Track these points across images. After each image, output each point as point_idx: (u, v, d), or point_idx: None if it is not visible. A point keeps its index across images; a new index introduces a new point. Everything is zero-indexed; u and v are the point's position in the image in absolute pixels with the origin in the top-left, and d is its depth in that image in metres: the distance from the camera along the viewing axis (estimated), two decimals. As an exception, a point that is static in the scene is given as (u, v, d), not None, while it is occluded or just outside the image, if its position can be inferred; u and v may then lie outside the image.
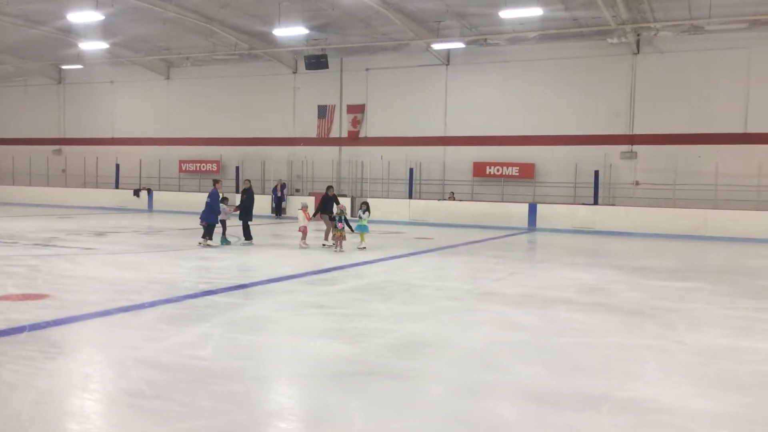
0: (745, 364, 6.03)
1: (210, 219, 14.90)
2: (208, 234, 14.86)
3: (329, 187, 16.34)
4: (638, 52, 23.91)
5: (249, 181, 17.42)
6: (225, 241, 15.28)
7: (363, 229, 14.78)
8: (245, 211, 15.90)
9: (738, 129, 22.73)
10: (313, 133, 29.47)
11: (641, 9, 21.09)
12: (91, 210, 29.33)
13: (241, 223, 15.93)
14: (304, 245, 14.92)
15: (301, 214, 15.01)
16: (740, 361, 6.14)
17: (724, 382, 5.46)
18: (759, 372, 5.80)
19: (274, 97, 30.12)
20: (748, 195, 22.05)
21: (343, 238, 14.46)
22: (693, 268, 13.60)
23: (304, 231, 15.04)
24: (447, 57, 26.84)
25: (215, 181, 16.03)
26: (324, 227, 15.84)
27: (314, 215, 15.63)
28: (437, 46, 25.40)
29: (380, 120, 28.27)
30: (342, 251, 14.17)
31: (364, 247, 14.71)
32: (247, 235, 15.84)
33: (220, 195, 15.36)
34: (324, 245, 15.16)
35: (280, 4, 22.00)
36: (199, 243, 14.73)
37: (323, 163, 29.00)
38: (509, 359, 6.00)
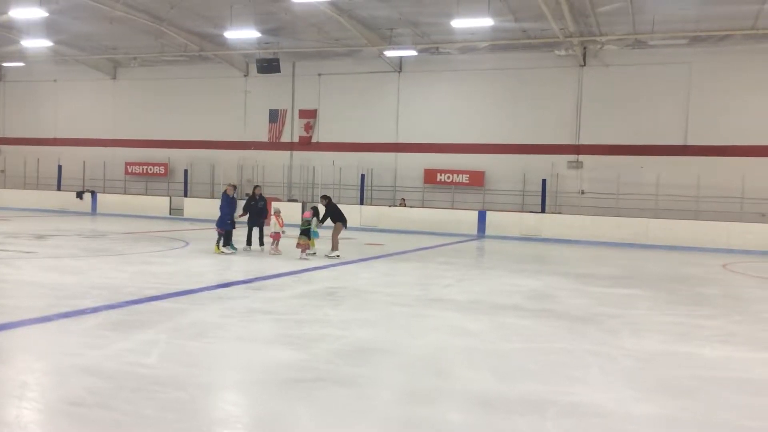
0: (684, 368, 6.24)
1: (222, 226, 14.44)
2: (227, 241, 14.40)
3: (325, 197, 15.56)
4: (584, 65, 24.55)
5: (259, 186, 16.43)
6: (232, 247, 14.67)
7: (314, 235, 14.60)
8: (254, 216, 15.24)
9: (678, 141, 23.57)
10: (264, 137, 29.20)
11: (588, 23, 21.68)
12: (32, 212, 28.35)
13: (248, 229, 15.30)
14: (275, 251, 14.56)
15: (273, 220, 14.68)
16: (679, 366, 6.34)
17: (664, 386, 5.63)
18: (697, 377, 6.00)
19: (225, 100, 29.74)
20: (688, 205, 22.84)
21: (308, 246, 14.20)
22: (635, 275, 14.01)
23: (276, 237, 14.62)
24: (399, 64, 27.02)
25: (231, 186, 15.32)
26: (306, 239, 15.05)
27: (322, 221, 14.77)
28: (390, 53, 25.54)
29: (332, 125, 28.22)
30: (307, 259, 13.95)
31: (314, 253, 14.55)
32: (249, 241, 15.30)
33: (236, 198, 14.79)
34: (331, 256, 14.43)
35: (231, 6, 21.75)
36: (222, 251, 14.27)
37: (274, 167, 28.76)
38: (458, 365, 6.06)
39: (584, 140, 24.74)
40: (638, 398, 5.24)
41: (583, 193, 24.70)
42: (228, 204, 14.67)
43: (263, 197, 15.49)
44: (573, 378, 5.73)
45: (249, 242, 15.12)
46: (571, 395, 5.21)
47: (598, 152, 24.49)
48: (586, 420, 4.68)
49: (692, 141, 23.39)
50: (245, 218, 15.37)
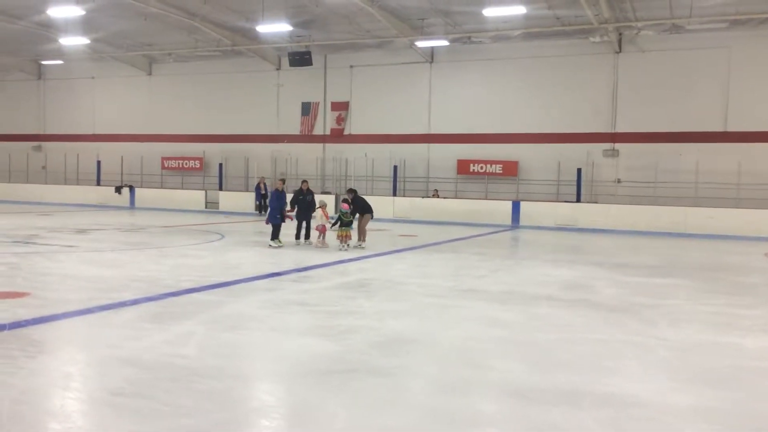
0: (723, 359, 6.12)
1: (271, 220, 14.58)
2: (275, 235, 14.54)
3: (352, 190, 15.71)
4: (620, 51, 24.10)
5: (306, 181, 16.46)
6: (279, 241, 14.70)
7: (351, 226, 14.71)
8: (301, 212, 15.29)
9: (718, 127, 23.01)
10: (296, 130, 29.38)
11: (623, 8, 21.27)
12: (72, 207, 29.04)
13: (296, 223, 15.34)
14: (320, 244, 14.70)
15: (319, 213, 14.88)
16: (718, 356, 6.23)
17: (702, 377, 5.54)
18: (736, 367, 5.89)
19: (258, 93, 29.98)
20: (728, 192, 22.32)
21: (349, 237, 14.38)
22: (673, 264, 13.76)
23: (322, 230, 14.78)
24: (431, 54, 26.88)
25: (281, 181, 15.45)
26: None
27: (354, 214, 14.83)
28: (421, 44, 25.43)
29: (364, 117, 28.25)
30: (347, 249, 14.15)
31: (359, 245, 14.66)
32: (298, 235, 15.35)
33: (285, 193, 14.92)
34: (361, 246, 14.72)
35: (263, 0, 21.90)
36: (270, 245, 14.43)
37: (307, 160, 28.93)
38: (491, 356, 6.04)
39: (620, 128, 24.32)
40: (676, 388, 5.17)
41: (619, 181, 24.30)
42: (278, 198, 14.81)
43: (311, 191, 15.61)
44: (609, 368, 5.67)
45: (297, 236, 15.22)
46: (607, 386, 5.16)
47: (635, 140, 24.05)
48: (622, 410, 4.63)
49: (732, 127, 22.82)
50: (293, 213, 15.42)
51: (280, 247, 14.39)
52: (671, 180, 23.04)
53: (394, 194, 26.44)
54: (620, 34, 23.67)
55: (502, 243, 18.38)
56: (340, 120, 28.66)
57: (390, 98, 27.62)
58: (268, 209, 14.86)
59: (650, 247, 17.63)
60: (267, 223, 14.76)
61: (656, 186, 23.18)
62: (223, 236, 17.12)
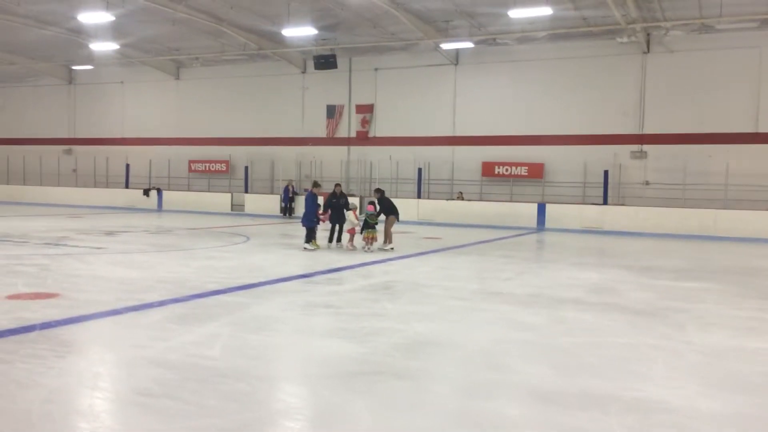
0: (754, 364, 6.00)
1: (306, 222, 14.71)
2: (309, 237, 14.62)
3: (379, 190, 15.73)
4: (648, 52, 23.82)
5: (339, 185, 16.22)
6: (313, 244, 14.74)
7: (376, 228, 14.75)
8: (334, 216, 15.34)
9: (749, 128, 22.61)
10: (321, 133, 29.52)
11: (651, 8, 21.01)
12: (101, 209, 29.51)
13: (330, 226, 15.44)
14: (350, 247, 14.78)
15: (350, 215, 14.95)
16: (748, 361, 6.11)
17: (732, 382, 5.43)
18: (767, 373, 5.77)
19: (283, 97, 30.20)
20: (759, 195, 21.92)
21: (375, 239, 14.47)
22: (702, 268, 13.53)
23: (352, 232, 14.89)
24: (456, 57, 26.83)
25: (316, 185, 15.56)
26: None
27: (377, 216, 14.93)
28: (446, 46, 25.39)
29: (389, 120, 28.29)
30: (372, 251, 14.26)
31: (390, 247, 14.70)
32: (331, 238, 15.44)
33: (319, 197, 15.04)
34: (386, 249, 14.74)
35: (289, 4, 22.06)
36: (305, 248, 14.51)
37: (332, 162, 29.05)
38: (516, 359, 6.00)
39: (648, 129, 24.02)
40: (705, 394, 5.08)
41: (647, 183, 24.00)
42: (314, 202, 14.89)
43: (344, 194, 15.67)
44: (636, 373, 5.59)
45: (331, 239, 15.29)
46: (635, 390, 5.09)
47: (663, 141, 23.73)
48: (650, 416, 4.57)
49: (764, 128, 22.41)
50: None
51: (315, 249, 14.45)
52: (700, 182, 22.69)
53: (419, 196, 26.42)
54: (648, 35, 23.39)
55: (527, 245, 18.25)
56: (364, 122, 28.73)
57: (414, 100, 27.62)
58: (304, 211, 14.90)
59: (679, 250, 17.37)
60: (303, 225, 14.83)
61: (685, 188, 22.84)
62: (248, 238, 17.26)
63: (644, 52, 23.86)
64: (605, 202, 23.70)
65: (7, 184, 35.67)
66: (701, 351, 6.46)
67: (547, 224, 23.55)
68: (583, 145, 24.74)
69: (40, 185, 35.11)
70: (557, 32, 23.62)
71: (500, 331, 7.13)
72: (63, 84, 35.86)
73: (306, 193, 15.38)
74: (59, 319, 7.01)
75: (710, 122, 23.00)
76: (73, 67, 34.01)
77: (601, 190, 23.94)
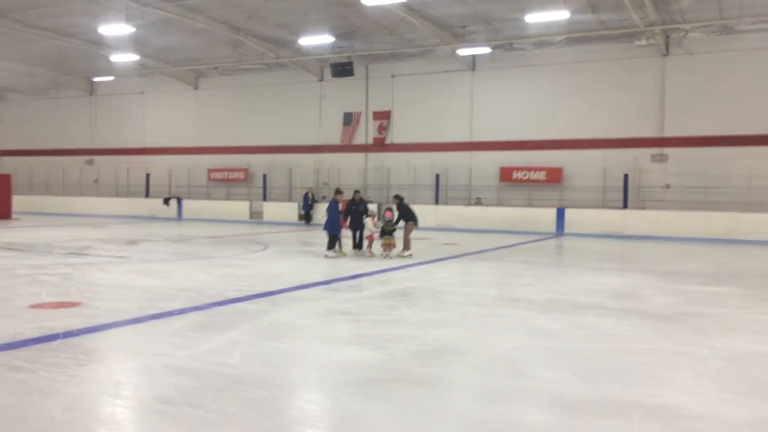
0: (780, 370, 5.90)
1: (329, 230, 14.76)
2: (331, 244, 14.67)
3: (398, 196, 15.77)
4: (667, 54, 23.62)
5: (359, 191, 16.35)
6: (335, 251, 14.81)
7: (393, 235, 14.74)
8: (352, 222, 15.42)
9: (771, 130, 22.32)
10: (339, 140, 29.61)
11: (670, 10, 20.85)
12: (123, 219, 29.83)
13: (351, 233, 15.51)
14: (368, 254, 14.81)
15: (369, 222, 14.99)
16: (775, 367, 6.01)
17: (757, 388, 5.34)
18: (794, 378, 5.67)
19: (301, 105, 30.36)
20: (783, 197, 21.61)
21: (393, 245, 14.49)
22: (725, 272, 13.34)
23: (370, 239, 14.93)
24: (472, 62, 26.80)
25: (339, 193, 15.61)
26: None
27: (396, 223, 15.02)
28: (463, 52, 25.38)
29: (406, 126, 28.31)
30: (391, 257, 14.29)
31: (407, 255, 14.67)
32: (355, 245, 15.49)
33: (340, 206, 15.07)
34: (404, 255, 14.71)
35: (306, 13, 22.19)
36: (326, 255, 14.55)
37: (349, 170, 29.12)
38: (536, 365, 5.95)
39: (669, 132, 23.80)
40: (730, 401, 5.00)
41: (668, 187, 23.75)
42: (337, 209, 14.93)
43: (363, 201, 15.70)
44: (659, 379, 5.52)
45: (355, 245, 15.34)
46: (658, 397, 5.02)
47: (684, 144, 23.49)
48: (674, 423, 4.50)
49: (786, 129, 22.11)
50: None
51: (338, 257, 14.46)
52: (722, 185, 22.42)
53: (437, 202, 26.39)
54: (667, 37, 23.20)
55: (546, 251, 18.12)
56: (381, 129, 28.78)
57: (431, 107, 27.62)
58: (326, 219, 14.94)
59: (701, 254, 17.15)
60: (326, 231, 14.84)
61: (707, 191, 22.57)
62: (267, 246, 17.33)
63: (663, 55, 23.66)
64: (625, 206, 23.50)
65: (31, 194, 36.19)
66: (725, 356, 6.36)
67: (567, 229, 23.39)
68: (602, 149, 24.57)
69: (63, 195, 35.59)
70: (574, 36, 23.52)
71: (520, 338, 7.08)
72: (84, 95, 36.36)
73: (329, 200, 15.44)
74: (81, 327, 7.08)
75: (731, 124, 22.73)
76: (94, 79, 34.49)
77: (621, 194, 23.74)
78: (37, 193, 36.52)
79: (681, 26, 22.05)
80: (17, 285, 10.14)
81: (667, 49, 23.55)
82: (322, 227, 15.15)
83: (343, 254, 14.65)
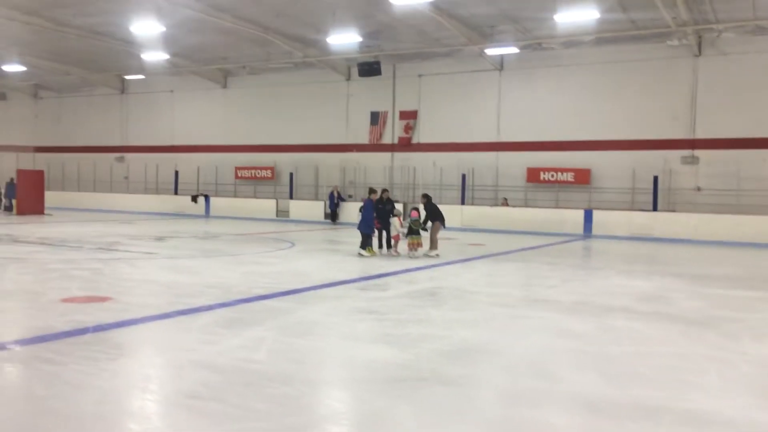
0: (814, 377, 5.77)
1: (363, 229, 14.79)
2: (365, 243, 14.69)
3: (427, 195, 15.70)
4: (700, 54, 23.21)
5: (387, 191, 16.02)
6: (367, 251, 14.74)
7: (420, 234, 14.70)
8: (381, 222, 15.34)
9: (806, 132, 21.82)
10: (365, 139, 29.64)
11: (703, 10, 20.48)
12: (151, 215, 30.23)
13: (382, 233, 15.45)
14: (396, 253, 14.84)
15: (396, 222, 15.01)
16: (808, 374, 5.88)
17: (791, 395, 5.23)
18: (829, 386, 5.54)
19: (328, 104, 30.44)
20: (818, 201, 21.11)
21: (420, 245, 14.45)
22: (757, 276, 13.09)
23: (397, 238, 14.98)
24: (500, 62, 26.63)
25: (374, 192, 15.62)
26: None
27: (424, 223, 14.93)
28: (491, 52, 25.23)
29: (433, 126, 28.23)
30: (417, 257, 14.27)
31: (435, 254, 14.63)
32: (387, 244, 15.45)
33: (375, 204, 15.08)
34: (431, 255, 14.65)
35: (333, 12, 22.25)
36: (360, 254, 14.57)
37: (376, 169, 29.13)
38: (563, 367, 5.90)
39: (700, 134, 23.38)
40: (761, 406, 4.91)
41: (699, 189, 23.35)
42: (371, 209, 14.97)
43: (390, 200, 15.72)
44: (689, 383, 5.44)
45: (381, 245, 15.37)
46: (688, 401, 4.95)
47: (716, 146, 23.05)
48: (705, 428, 4.44)
49: (822, 131, 21.59)
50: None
51: (371, 256, 14.47)
52: (755, 187, 21.98)
53: (463, 203, 26.27)
54: (700, 37, 22.79)
55: (573, 252, 17.95)
56: (408, 129, 28.74)
57: (458, 106, 27.51)
58: (360, 218, 14.99)
59: (732, 257, 16.85)
60: (360, 231, 14.86)
61: (739, 194, 22.15)
62: (293, 244, 17.43)
63: (695, 55, 23.26)
64: (655, 209, 23.16)
65: (63, 190, 36.84)
66: (756, 362, 6.24)
67: (594, 231, 23.13)
68: (631, 151, 24.23)
69: (94, 192, 36.18)
70: (604, 36, 23.22)
71: (546, 339, 7.02)
72: (116, 93, 36.90)
73: (362, 199, 15.54)
74: (111, 322, 7.20)
75: (765, 126, 22.26)
76: (126, 77, 34.98)
77: (651, 196, 23.39)
78: (69, 190, 37.16)
79: (714, 26, 21.64)
80: (50, 279, 10.34)
81: (699, 49, 23.14)
82: (356, 226, 15.17)
83: (374, 254, 14.68)
